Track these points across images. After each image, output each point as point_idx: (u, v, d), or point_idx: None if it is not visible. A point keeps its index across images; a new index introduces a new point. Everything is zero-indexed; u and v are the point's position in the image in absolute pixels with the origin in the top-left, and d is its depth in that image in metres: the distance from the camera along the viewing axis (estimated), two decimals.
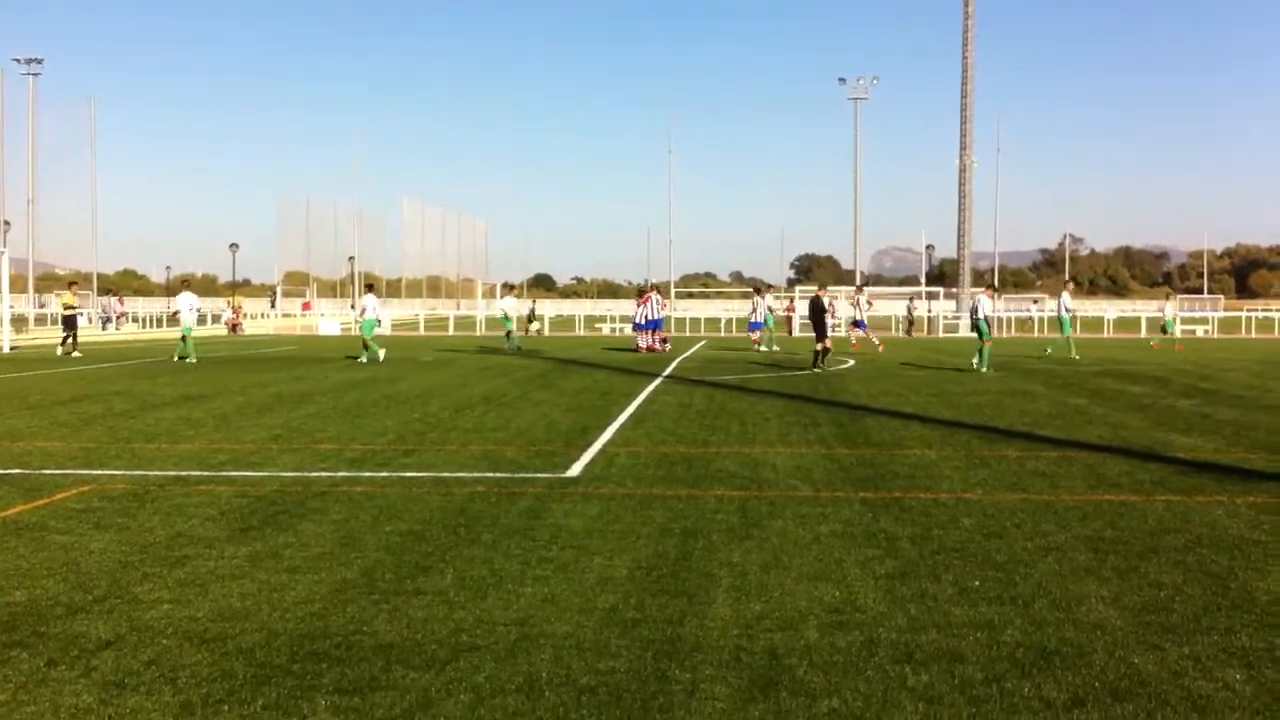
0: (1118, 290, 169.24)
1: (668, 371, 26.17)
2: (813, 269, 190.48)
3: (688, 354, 34.79)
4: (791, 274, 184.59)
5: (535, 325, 56.44)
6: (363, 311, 32.86)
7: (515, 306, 38.85)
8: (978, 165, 68.38)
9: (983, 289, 31.88)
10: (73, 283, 43.62)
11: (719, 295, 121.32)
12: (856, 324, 39.09)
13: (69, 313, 35.18)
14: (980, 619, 6.07)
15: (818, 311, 28.38)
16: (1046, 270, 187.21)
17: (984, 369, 26.63)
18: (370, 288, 37.79)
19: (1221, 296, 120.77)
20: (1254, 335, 58.40)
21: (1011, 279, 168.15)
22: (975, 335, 27.92)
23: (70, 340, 34.15)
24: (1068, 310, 34.79)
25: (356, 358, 30.46)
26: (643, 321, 36.56)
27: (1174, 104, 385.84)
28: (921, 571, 7.13)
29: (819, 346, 27.63)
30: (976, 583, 6.83)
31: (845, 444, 13.16)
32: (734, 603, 6.40)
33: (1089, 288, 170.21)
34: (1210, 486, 10.29)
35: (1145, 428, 15.01)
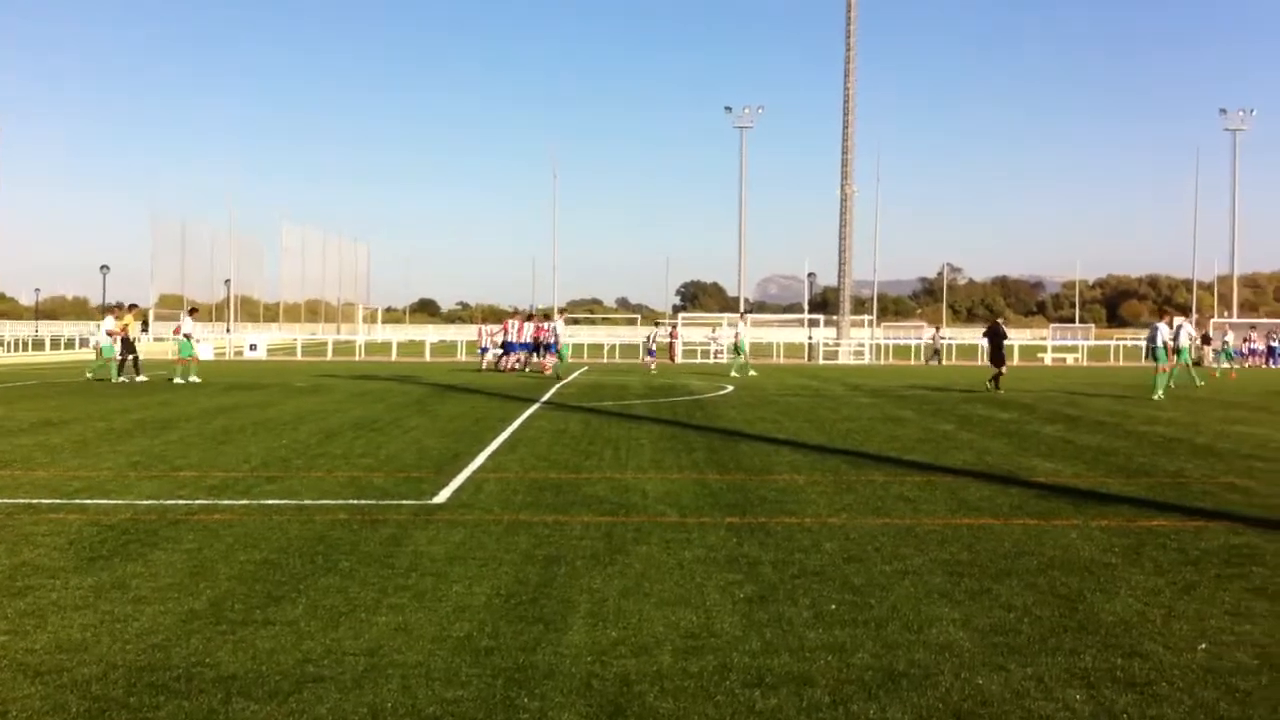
0: (992, 319, 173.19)
1: (546, 397, 26.08)
2: (698, 296, 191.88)
3: (569, 380, 34.73)
4: (677, 300, 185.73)
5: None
6: (175, 330, 32.81)
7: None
8: (858, 194, 69.48)
9: (1168, 317, 33.35)
10: None
11: (605, 321, 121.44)
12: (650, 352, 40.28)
13: None
14: (833, 642, 6.11)
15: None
16: (926, 299, 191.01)
17: (1158, 395, 27.75)
18: (194, 310, 35.83)
19: (1093, 325, 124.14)
20: (1122, 363, 60.20)
21: (893, 307, 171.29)
22: (1154, 361, 29.00)
23: None
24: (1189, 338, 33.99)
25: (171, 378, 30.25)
26: (517, 342, 37.76)
27: (1049, 138, 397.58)
28: (780, 595, 7.16)
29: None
30: (833, 606, 6.88)
31: (717, 469, 13.22)
32: (590, 629, 6.36)
33: (967, 316, 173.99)
34: (1067, 510, 10.52)
35: (1009, 453, 15.33)
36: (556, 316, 39.27)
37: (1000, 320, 33.58)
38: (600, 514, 10.10)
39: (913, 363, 57.84)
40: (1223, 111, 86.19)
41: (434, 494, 11.14)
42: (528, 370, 38.78)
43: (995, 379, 30.37)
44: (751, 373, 40.13)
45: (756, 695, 5.26)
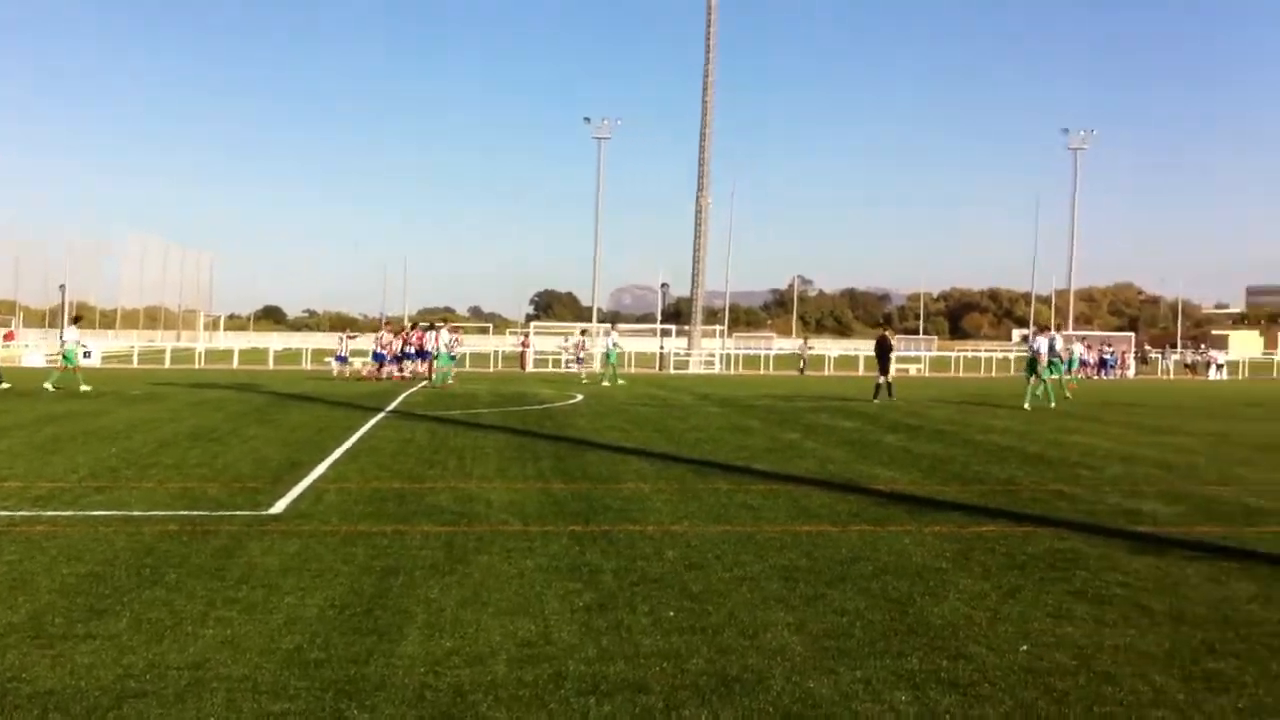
0: (842, 329, 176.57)
1: (392, 406, 25.75)
2: (552, 305, 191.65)
3: (416, 389, 34.34)
4: (530, 310, 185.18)
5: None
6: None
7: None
8: (713, 206, 70.20)
9: (1040, 330, 34.14)
10: None
11: (457, 330, 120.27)
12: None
13: None
14: (669, 649, 6.14)
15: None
16: (777, 310, 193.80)
17: (1027, 405, 28.87)
18: (78, 319, 35.47)
19: (936, 337, 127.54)
20: (963, 374, 61.87)
21: (744, 318, 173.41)
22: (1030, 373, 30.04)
23: None
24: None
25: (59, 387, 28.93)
26: (384, 353, 37.72)
27: (898, 153, 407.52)
28: (620, 603, 7.17)
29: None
30: (671, 613, 6.92)
31: (563, 478, 13.20)
32: (425, 640, 6.28)
33: (816, 327, 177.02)
34: (902, 517, 10.77)
35: (851, 461, 15.63)
36: (441, 325, 39.28)
37: (887, 333, 34.80)
38: (442, 524, 10.00)
39: (762, 372, 58.60)
40: (1064, 131, 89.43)
41: (270, 505, 10.90)
42: (410, 377, 38.58)
43: (882, 388, 31.17)
44: (620, 381, 40.22)
45: (591, 703, 5.26)
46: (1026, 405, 29.06)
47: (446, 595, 7.32)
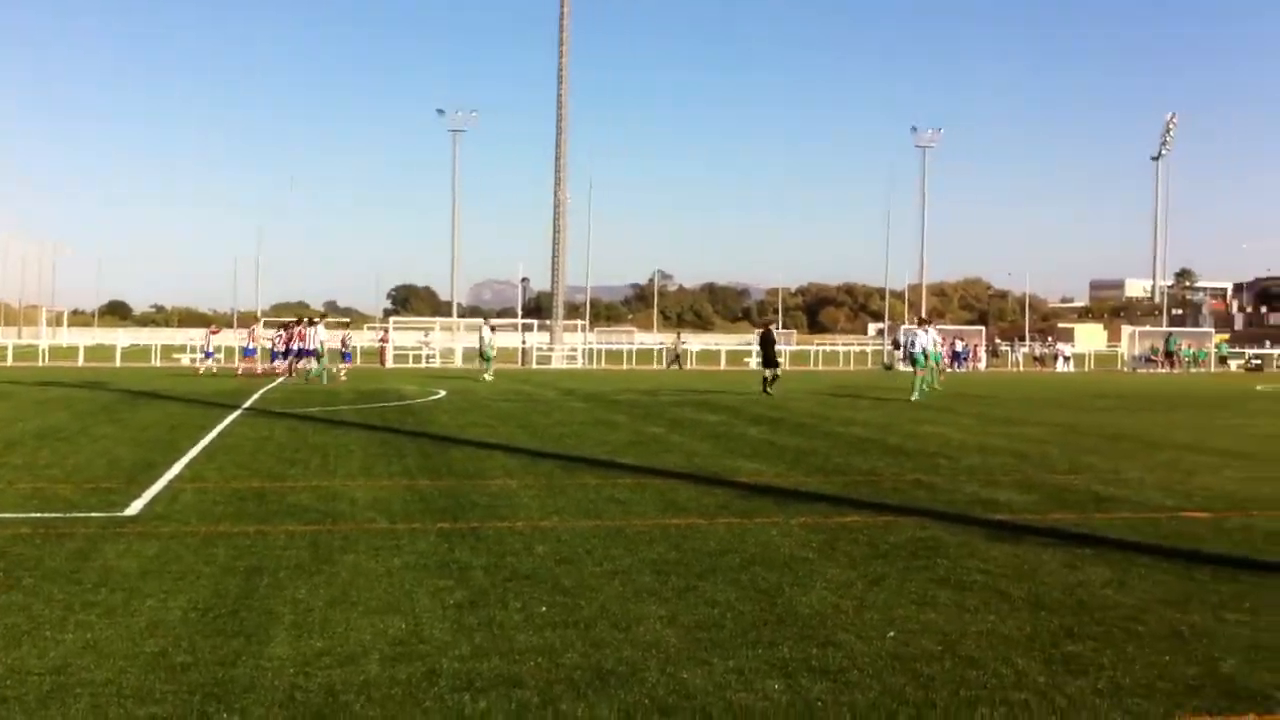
0: (702, 324, 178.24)
1: (249, 403, 25.21)
2: (410, 300, 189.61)
3: (274, 385, 33.69)
4: (388, 304, 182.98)
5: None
6: None
7: None
8: (571, 201, 70.33)
9: (918, 323, 34.20)
10: None
11: (313, 325, 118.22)
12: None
13: None
14: (543, 643, 6.13)
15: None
16: (638, 304, 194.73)
17: (915, 397, 29.40)
18: None
19: (795, 331, 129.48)
20: (821, 368, 62.98)
21: (605, 312, 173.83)
22: (911, 367, 31.26)
23: None
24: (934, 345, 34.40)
25: None
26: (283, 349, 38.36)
27: (756, 148, 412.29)
28: (491, 599, 7.13)
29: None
30: (543, 608, 6.91)
31: (428, 475, 13.07)
32: (294, 640, 6.16)
33: (677, 321, 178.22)
34: (769, 509, 10.91)
35: (716, 454, 15.79)
36: (318, 321, 38.46)
37: (771, 326, 35.48)
38: (306, 523, 9.82)
39: (625, 367, 58.86)
40: (914, 129, 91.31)
41: (126, 506, 10.58)
42: (293, 376, 37.56)
43: (767, 381, 31.41)
44: (487, 377, 39.88)
45: (466, 699, 5.23)
46: (914, 397, 29.84)
47: (314, 595, 7.20)
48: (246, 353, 44.81)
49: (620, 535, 9.36)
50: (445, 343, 64.80)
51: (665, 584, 7.60)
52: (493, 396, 29.67)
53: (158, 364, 54.10)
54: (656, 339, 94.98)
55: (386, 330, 64.50)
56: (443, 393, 30.99)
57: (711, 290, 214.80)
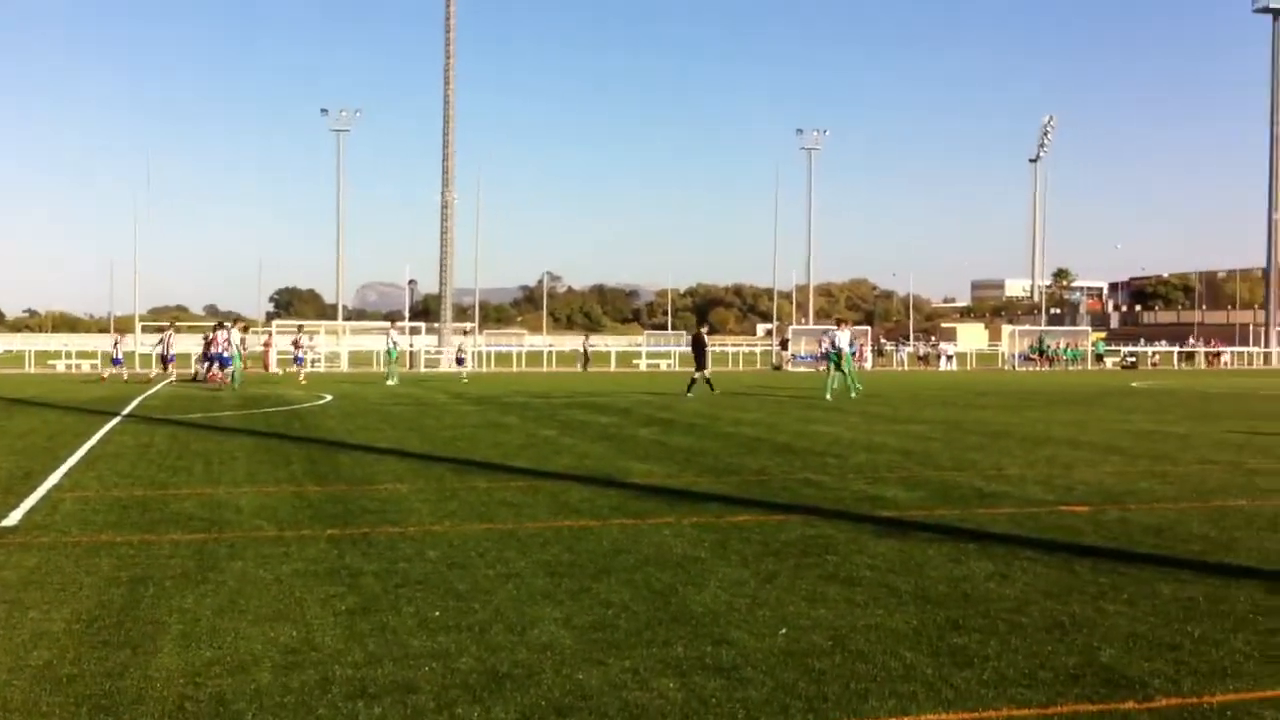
0: (592, 325, 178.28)
1: (128, 410, 24.63)
2: (293, 303, 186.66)
3: (153, 391, 32.96)
4: (271, 308, 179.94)
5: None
6: None
7: None
8: (460, 201, 69.78)
9: (844, 324, 34.89)
10: None
11: (190, 329, 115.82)
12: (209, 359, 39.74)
13: None
14: (437, 648, 6.10)
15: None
16: (527, 306, 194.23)
17: (828, 397, 30.17)
18: None
19: (684, 332, 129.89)
20: (711, 369, 63.27)
21: (494, 314, 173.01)
22: (828, 367, 31.90)
23: None
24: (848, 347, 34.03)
25: None
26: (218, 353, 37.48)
27: (645, 151, 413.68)
28: (384, 605, 7.07)
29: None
30: (437, 613, 6.87)
31: (316, 481, 12.90)
32: (182, 650, 6.05)
33: (566, 323, 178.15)
34: (661, 509, 10.97)
35: (608, 456, 15.82)
36: (231, 327, 37.52)
37: (704, 329, 36.63)
38: (191, 531, 9.63)
39: (515, 370, 58.61)
40: (799, 131, 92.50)
41: (4, 516, 10.28)
42: (222, 381, 36.65)
43: (692, 384, 32.17)
44: (391, 382, 39.48)
45: (360, 706, 5.18)
46: (828, 396, 30.43)
47: (201, 604, 7.07)
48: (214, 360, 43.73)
49: (513, 538, 9.34)
50: (330, 346, 63.87)
51: (559, 586, 7.60)
52: (382, 400, 29.36)
53: (31, 370, 52.55)
54: (546, 341, 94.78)
55: (270, 334, 63.41)
56: (329, 397, 30.58)
57: (601, 292, 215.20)
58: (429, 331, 71.16)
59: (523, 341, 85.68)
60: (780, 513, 10.79)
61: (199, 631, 6.43)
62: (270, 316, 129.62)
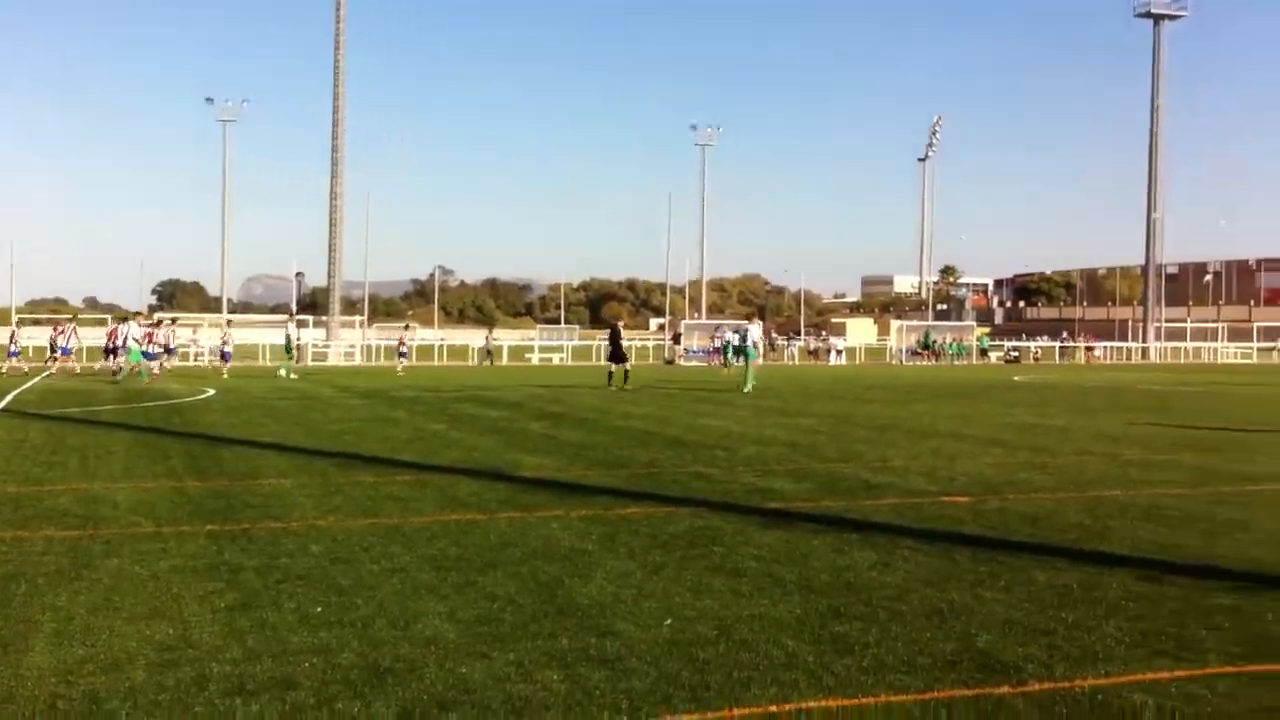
0: (484, 319, 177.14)
1: (2, 405, 23.91)
2: (177, 295, 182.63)
3: (28, 385, 32.04)
4: (154, 300, 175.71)
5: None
6: None
7: None
8: (349, 194, 68.89)
9: (755, 318, 36.32)
10: None
11: (70, 322, 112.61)
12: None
13: None
14: (318, 644, 6.01)
15: None
16: (418, 300, 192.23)
17: (746, 388, 30.77)
18: None
19: (578, 326, 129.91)
20: (603, 362, 63.26)
21: (384, 308, 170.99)
22: (741, 360, 33.15)
23: None
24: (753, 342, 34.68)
25: None
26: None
27: (537, 144, 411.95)
28: (264, 601, 6.96)
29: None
30: (318, 608, 6.77)
31: (197, 476, 12.64)
32: (55, 649, 5.88)
33: (459, 317, 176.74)
34: (550, 502, 10.95)
35: (498, 449, 15.74)
36: (131, 319, 37.03)
37: (619, 322, 37.60)
38: (65, 528, 9.37)
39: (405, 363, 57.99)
40: (693, 128, 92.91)
41: None
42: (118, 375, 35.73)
43: (612, 375, 32.09)
44: (293, 376, 38.78)
45: (237, 703, 5.09)
46: (748, 388, 30.99)
47: (75, 602, 6.88)
48: (11, 354, 42.63)
49: (399, 533, 9.25)
50: (215, 340, 62.62)
51: (445, 580, 7.54)
52: (266, 395, 28.88)
53: None
54: (438, 335, 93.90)
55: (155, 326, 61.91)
56: (212, 391, 30.00)
57: (494, 286, 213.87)
58: (317, 325, 70.11)
59: (414, 335, 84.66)
60: (669, 505, 10.84)
61: (72, 629, 6.27)
62: (153, 309, 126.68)
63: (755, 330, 33.04)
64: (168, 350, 43.39)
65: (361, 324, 72.65)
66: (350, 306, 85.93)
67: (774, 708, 5.11)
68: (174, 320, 42.31)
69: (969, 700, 5.24)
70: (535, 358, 68.14)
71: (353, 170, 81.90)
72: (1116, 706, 5.17)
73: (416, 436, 17.60)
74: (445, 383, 36.29)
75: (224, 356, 43.53)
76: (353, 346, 64.86)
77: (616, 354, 32.88)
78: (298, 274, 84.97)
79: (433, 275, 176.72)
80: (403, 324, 62.81)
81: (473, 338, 76.98)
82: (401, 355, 50.93)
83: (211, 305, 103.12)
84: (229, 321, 55.66)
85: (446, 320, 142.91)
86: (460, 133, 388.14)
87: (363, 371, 49.36)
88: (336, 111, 66.33)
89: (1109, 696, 5.30)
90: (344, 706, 5.05)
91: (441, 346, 69.79)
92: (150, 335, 39.21)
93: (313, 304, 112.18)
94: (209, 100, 76.86)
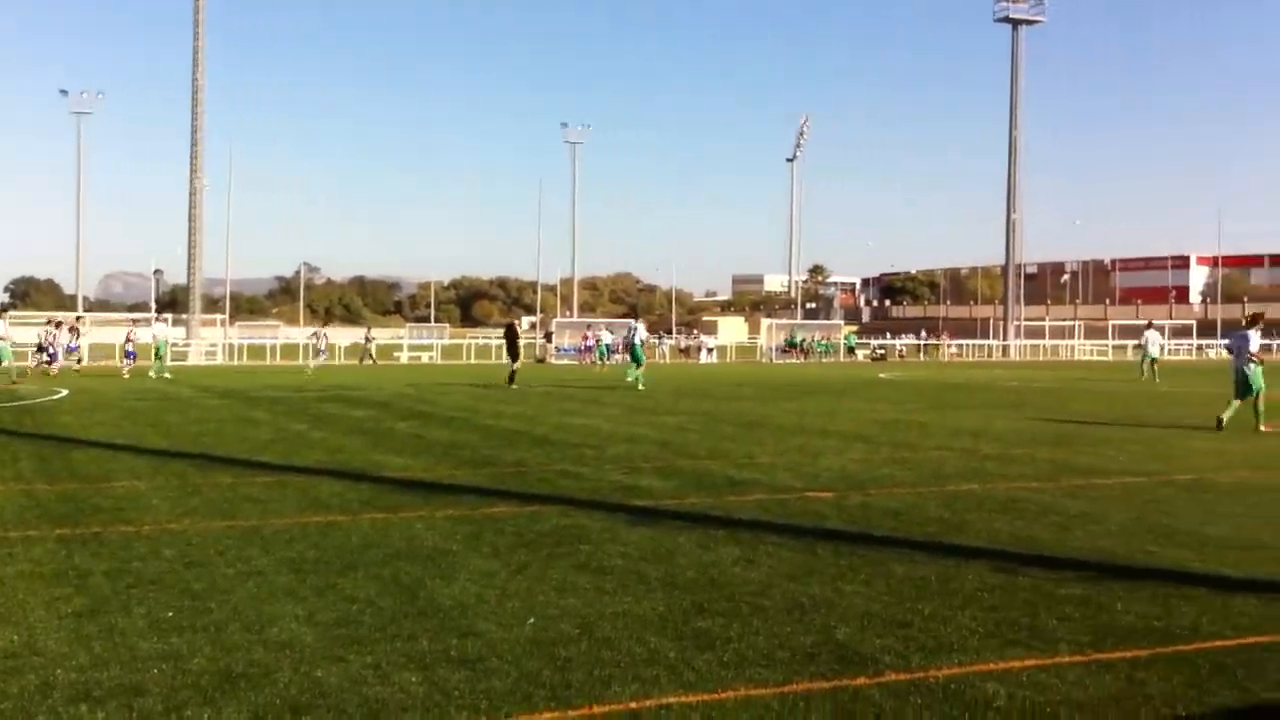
0: (352, 318, 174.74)
1: None
2: (30, 293, 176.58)
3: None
4: (5, 298, 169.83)
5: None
6: None
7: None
8: (209, 188, 67.35)
9: (639, 319, 38.27)
10: None
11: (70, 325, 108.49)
12: None
13: None
14: (168, 650, 5.84)
15: None
16: (283, 298, 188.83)
17: (640, 386, 31.96)
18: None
19: (448, 325, 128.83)
20: (474, 360, 62.85)
21: (248, 306, 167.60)
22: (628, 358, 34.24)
23: None
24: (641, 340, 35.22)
25: None
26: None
27: (405, 139, 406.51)
28: (113, 607, 6.74)
29: None
30: (170, 614, 6.58)
31: (46, 479, 12.22)
32: None
33: (325, 315, 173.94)
34: (416, 503, 10.81)
35: (363, 450, 15.51)
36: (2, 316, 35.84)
37: (515, 321, 38.62)
38: None
39: (269, 362, 56.87)
40: (564, 125, 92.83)
41: None
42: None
43: (513, 375, 32.90)
44: (166, 375, 37.80)
45: (83, 710, 4.92)
46: (641, 386, 32.22)
47: None
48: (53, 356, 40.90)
49: (257, 535, 9.05)
50: (66, 338, 60.55)
51: (303, 583, 7.40)
52: (122, 395, 28.05)
53: None
54: (304, 333, 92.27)
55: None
56: (65, 392, 29.04)
57: (361, 283, 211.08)
58: (176, 323, 68.31)
59: (277, 334, 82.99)
60: (536, 504, 10.79)
61: None
62: (4, 308, 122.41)
63: (643, 329, 33.96)
64: (69, 350, 41.77)
65: (223, 322, 70.97)
66: (212, 305, 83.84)
67: (634, 704, 5.10)
68: (58, 324, 40.44)
69: (826, 693, 5.30)
70: (404, 356, 67.32)
71: (214, 163, 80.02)
72: (969, 696, 5.28)
73: (278, 437, 17.26)
74: (309, 382, 35.66)
75: (70, 351, 42.00)
76: (214, 345, 63.30)
77: (513, 353, 33.73)
78: (156, 271, 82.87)
79: (298, 273, 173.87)
80: (363, 328, 61.37)
81: (343, 337, 75.59)
82: (318, 353, 48.73)
83: (67, 303, 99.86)
84: (79, 318, 53.79)
85: (313, 319, 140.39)
86: (328, 128, 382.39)
87: (218, 371, 48.22)
88: (196, 105, 64.63)
89: (962, 686, 5.41)
90: (194, 713, 4.91)
91: (307, 346, 68.43)
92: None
93: (173, 301, 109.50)
94: (63, 92, 74.55)
